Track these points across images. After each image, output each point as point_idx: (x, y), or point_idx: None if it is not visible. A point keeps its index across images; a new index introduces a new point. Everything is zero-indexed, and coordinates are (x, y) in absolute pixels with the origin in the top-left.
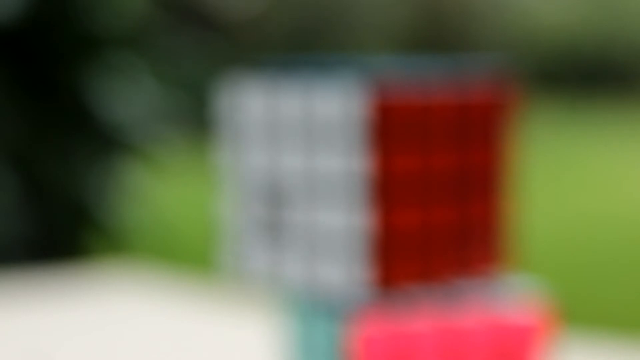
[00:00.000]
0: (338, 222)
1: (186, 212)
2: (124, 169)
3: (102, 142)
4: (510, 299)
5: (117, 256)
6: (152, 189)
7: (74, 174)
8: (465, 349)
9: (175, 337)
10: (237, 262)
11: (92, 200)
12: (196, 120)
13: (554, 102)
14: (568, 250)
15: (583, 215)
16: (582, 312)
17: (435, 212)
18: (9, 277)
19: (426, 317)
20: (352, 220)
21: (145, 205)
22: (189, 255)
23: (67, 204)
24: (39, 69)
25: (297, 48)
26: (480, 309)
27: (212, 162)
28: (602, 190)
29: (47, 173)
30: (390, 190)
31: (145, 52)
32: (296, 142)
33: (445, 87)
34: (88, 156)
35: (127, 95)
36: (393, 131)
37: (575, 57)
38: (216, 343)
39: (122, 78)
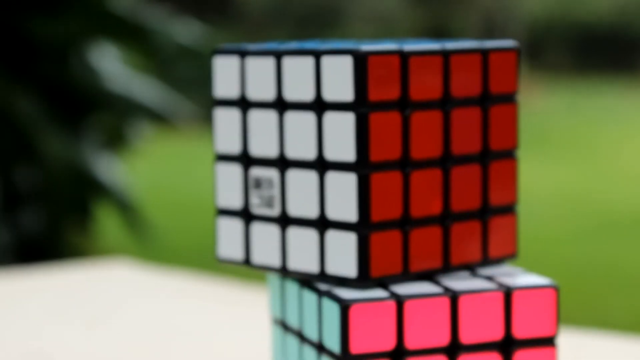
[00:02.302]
0: (338, 206)
1: (183, 197)
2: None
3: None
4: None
5: (111, 253)
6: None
7: (77, 146)
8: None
9: (176, 329)
10: (231, 249)
11: (97, 168)
12: (198, 102)
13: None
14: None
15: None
16: (586, 298)
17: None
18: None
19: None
20: (355, 205)
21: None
22: (186, 241)
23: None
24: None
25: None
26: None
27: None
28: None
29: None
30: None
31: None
32: (293, 125)
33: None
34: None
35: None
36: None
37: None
38: (216, 334)
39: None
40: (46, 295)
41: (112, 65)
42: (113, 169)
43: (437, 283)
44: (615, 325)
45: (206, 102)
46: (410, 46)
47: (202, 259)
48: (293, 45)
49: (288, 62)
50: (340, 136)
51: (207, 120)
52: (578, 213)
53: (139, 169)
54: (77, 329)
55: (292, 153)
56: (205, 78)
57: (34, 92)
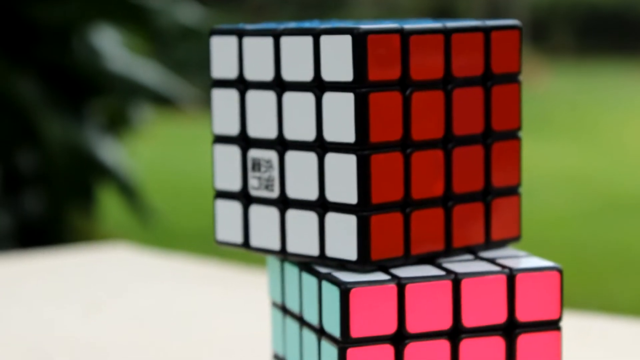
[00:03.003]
0: (338, 188)
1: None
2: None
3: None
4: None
5: (113, 237)
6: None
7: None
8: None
9: (176, 312)
10: (230, 232)
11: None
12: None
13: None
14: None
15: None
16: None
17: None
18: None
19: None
20: (356, 187)
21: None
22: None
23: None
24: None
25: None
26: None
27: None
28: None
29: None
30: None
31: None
32: (293, 104)
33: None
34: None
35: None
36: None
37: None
38: (216, 317)
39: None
40: (46, 279)
41: (113, 47)
42: (115, 152)
43: (438, 266)
44: (619, 308)
45: (208, 85)
46: (411, 25)
47: (205, 242)
48: (291, 25)
49: (286, 42)
50: (340, 117)
51: (209, 103)
52: (582, 195)
53: (141, 151)
54: (76, 312)
55: (291, 134)
56: (206, 60)
57: (35, 75)
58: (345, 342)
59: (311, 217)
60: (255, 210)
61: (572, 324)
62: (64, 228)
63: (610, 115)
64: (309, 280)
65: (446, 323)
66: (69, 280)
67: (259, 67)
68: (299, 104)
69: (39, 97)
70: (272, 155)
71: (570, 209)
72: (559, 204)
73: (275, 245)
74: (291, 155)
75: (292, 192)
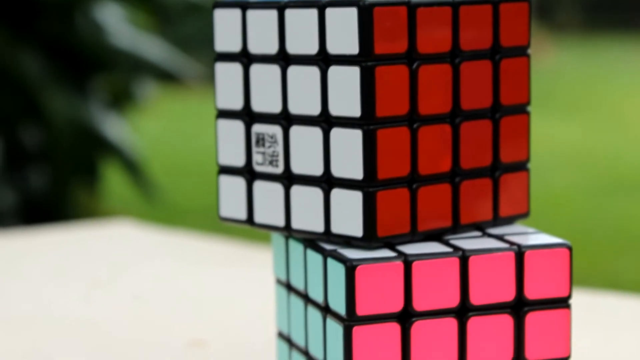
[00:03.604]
0: (344, 164)
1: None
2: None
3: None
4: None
5: (117, 213)
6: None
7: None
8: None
9: (179, 289)
10: (233, 208)
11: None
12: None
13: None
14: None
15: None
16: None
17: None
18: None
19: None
20: (361, 165)
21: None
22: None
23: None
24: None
25: None
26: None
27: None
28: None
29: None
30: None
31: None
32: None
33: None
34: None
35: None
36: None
37: None
38: (220, 294)
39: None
40: (49, 256)
41: (117, 23)
42: (119, 128)
43: (446, 243)
44: (624, 285)
45: (212, 60)
46: None
47: (209, 218)
48: None
49: (291, 14)
50: (345, 91)
51: (213, 79)
52: (587, 171)
53: (145, 127)
54: (78, 289)
55: (295, 109)
56: (211, 36)
57: (39, 50)
58: (351, 320)
59: (316, 193)
60: (259, 186)
61: (578, 301)
62: (67, 204)
63: (616, 91)
64: (314, 258)
65: (454, 301)
66: (71, 257)
67: (263, 41)
68: (303, 78)
69: (43, 73)
70: (276, 130)
71: (574, 185)
72: (564, 180)
73: (280, 222)
74: (296, 130)
75: (297, 168)
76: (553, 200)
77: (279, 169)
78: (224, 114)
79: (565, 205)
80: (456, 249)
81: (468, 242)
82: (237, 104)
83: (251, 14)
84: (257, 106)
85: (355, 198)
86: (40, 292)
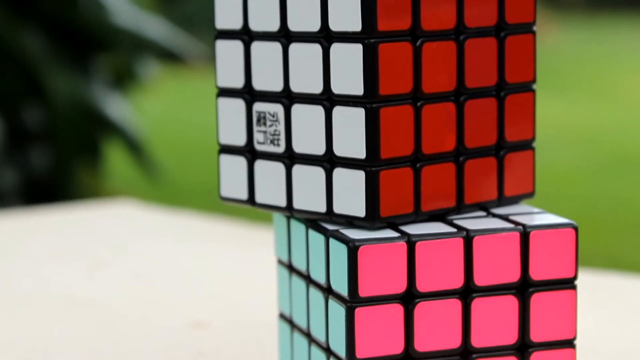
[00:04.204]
0: (346, 143)
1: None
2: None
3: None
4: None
5: (118, 193)
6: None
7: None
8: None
9: (181, 269)
10: (234, 188)
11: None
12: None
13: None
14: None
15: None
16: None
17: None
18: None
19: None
20: (364, 140)
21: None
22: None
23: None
24: None
25: None
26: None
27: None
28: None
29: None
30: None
31: None
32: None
33: None
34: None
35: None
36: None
37: None
38: (222, 274)
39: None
40: (50, 236)
41: (119, 2)
42: (121, 108)
43: (450, 223)
44: (629, 266)
45: (214, 39)
46: None
47: (212, 198)
48: None
49: None
50: (348, 68)
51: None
52: (591, 150)
53: (148, 107)
54: (79, 270)
55: (297, 87)
56: (213, 15)
57: (41, 29)
58: (353, 301)
59: (318, 172)
60: (260, 165)
61: (581, 281)
62: (69, 184)
63: (620, 71)
64: (316, 238)
65: (457, 282)
66: (73, 236)
67: (264, 18)
68: (305, 56)
69: (45, 52)
70: (277, 108)
71: (577, 165)
72: (567, 159)
73: (282, 202)
74: (297, 109)
75: (299, 147)
76: (556, 180)
77: (281, 148)
78: (224, 92)
79: (568, 185)
80: (460, 229)
81: (472, 222)
82: (238, 82)
83: None
84: (258, 84)
85: (357, 178)
86: (42, 272)
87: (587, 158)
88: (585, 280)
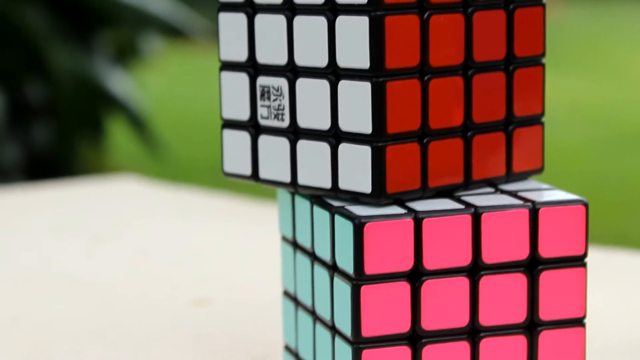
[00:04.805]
0: (352, 117)
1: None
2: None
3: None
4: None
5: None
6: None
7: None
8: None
9: (184, 245)
10: (238, 164)
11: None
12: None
13: None
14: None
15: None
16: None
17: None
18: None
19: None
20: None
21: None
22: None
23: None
24: None
25: None
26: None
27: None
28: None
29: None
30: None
31: None
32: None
33: None
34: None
35: None
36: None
37: None
38: (225, 251)
39: None
40: (52, 211)
41: None
42: (124, 83)
43: (457, 200)
44: (635, 243)
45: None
46: None
47: (215, 174)
48: None
49: None
50: (354, 41)
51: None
52: (597, 127)
53: (151, 83)
54: (82, 245)
55: (302, 60)
56: None
57: (44, 5)
58: (359, 279)
59: (323, 147)
60: (264, 140)
61: (589, 258)
62: (72, 160)
63: (626, 47)
64: (321, 215)
65: (465, 259)
66: (75, 212)
67: None
68: (310, 28)
69: (47, 28)
70: (282, 82)
71: (584, 141)
72: (573, 136)
73: (286, 178)
74: (302, 83)
75: (303, 122)
76: (561, 155)
77: (285, 123)
78: (227, 66)
79: (574, 161)
80: (468, 205)
81: (480, 198)
82: (242, 56)
83: None
84: (262, 58)
85: (363, 153)
86: (43, 248)
87: (592, 135)
88: (593, 257)
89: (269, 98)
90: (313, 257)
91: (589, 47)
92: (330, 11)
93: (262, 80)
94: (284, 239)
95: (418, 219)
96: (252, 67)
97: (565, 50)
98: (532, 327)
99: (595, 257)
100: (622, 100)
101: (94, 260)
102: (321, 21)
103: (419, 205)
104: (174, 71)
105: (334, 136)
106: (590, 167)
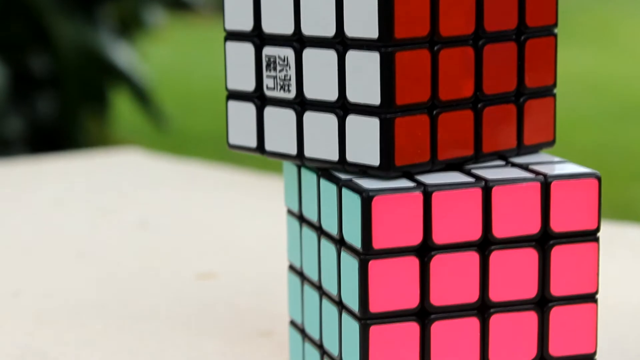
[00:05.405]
0: (360, 88)
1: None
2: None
3: None
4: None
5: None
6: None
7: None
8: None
9: (188, 218)
10: (243, 136)
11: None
12: None
13: None
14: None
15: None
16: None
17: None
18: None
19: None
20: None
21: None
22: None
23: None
24: None
25: None
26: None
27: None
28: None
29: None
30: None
31: None
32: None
33: None
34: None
35: None
36: None
37: None
38: (230, 223)
39: None
40: (56, 184)
41: None
42: (128, 55)
43: (467, 173)
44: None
45: None
46: None
47: (220, 147)
48: None
49: None
50: (362, 11)
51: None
52: (600, 98)
53: (155, 55)
54: (86, 217)
55: (308, 30)
56: None
57: None
58: (366, 253)
59: (331, 119)
60: (270, 112)
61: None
62: (76, 132)
63: (627, 18)
64: (328, 188)
65: (475, 234)
66: (79, 185)
67: None
68: None
69: (52, 0)
70: (288, 52)
71: (587, 113)
72: (575, 108)
73: (292, 150)
74: (309, 53)
75: (310, 93)
76: (566, 127)
77: (291, 94)
78: (233, 35)
79: (579, 133)
80: (478, 179)
81: (491, 171)
82: (247, 25)
83: None
84: (268, 27)
85: (372, 125)
86: (46, 221)
87: (595, 106)
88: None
89: (275, 69)
90: (320, 231)
91: (590, 18)
92: None
93: (268, 50)
94: (290, 212)
95: (427, 192)
96: (258, 37)
97: (566, 21)
98: (543, 302)
99: (603, 231)
100: (626, 72)
101: (97, 233)
102: None
103: (428, 179)
104: (178, 43)
105: (342, 107)
106: (594, 140)
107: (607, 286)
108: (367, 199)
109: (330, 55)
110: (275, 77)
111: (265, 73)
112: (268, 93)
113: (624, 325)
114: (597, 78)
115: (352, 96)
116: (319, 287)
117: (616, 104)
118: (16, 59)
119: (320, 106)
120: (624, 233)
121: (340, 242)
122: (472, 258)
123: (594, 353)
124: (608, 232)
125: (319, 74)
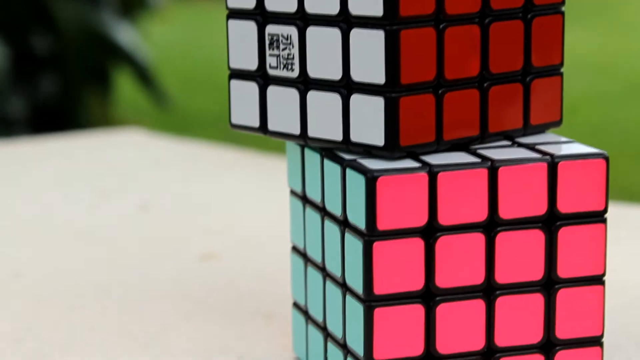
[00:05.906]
0: (364, 67)
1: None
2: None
3: None
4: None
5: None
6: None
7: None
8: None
9: (190, 199)
10: (245, 115)
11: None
12: None
13: None
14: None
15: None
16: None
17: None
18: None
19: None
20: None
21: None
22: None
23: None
24: None
25: None
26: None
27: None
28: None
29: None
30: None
31: None
32: None
33: None
34: None
35: None
36: None
37: None
38: (232, 204)
39: None
40: (58, 164)
41: None
42: (130, 35)
43: (473, 153)
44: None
45: None
46: None
47: (222, 127)
48: None
49: None
50: None
51: None
52: (605, 78)
53: (157, 35)
54: (88, 198)
55: (312, 8)
56: None
57: None
58: (371, 234)
59: (334, 99)
60: (273, 91)
61: None
62: (78, 112)
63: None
64: (332, 168)
65: (481, 215)
66: (81, 165)
67: None
68: None
69: None
70: (291, 31)
71: (591, 93)
72: (580, 87)
73: (295, 130)
74: (313, 31)
75: (314, 72)
76: (569, 107)
77: (295, 73)
78: (235, 13)
79: (582, 112)
80: (484, 159)
81: (497, 152)
82: (250, 3)
83: None
84: (271, 5)
85: (376, 104)
86: (48, 201)
87: (600, 86)
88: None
89: (278, 47)
90: (323, 212)
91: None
92: None
93: (271, 29)
94: (293, 193)
95: (433, 172)
96: (261, 15)
97: (573, 2)
98: (549, 284)
99: (608, 213)
100: (629, 51)
101: (99, 213)
102: None
103: (434, 159)
104: (180, 23)
105: (346, 87)
106: (597, 119)
107: (613, 269)
108: (371, 179)
109: (334, 33)
110: (278, 56)
111: (268, 52)
112: (271, 72)
113: (632, 308)
114: (601, 57)
115: (357, 75)
116: (322, 269)
117: (621, 83)
118: (18, 39)
119: (324, 85)
120: (630, 214)
121: (344, 223)
122: (478, 239)
123: (601, 335)
124: (614, 213)
125: (323, 52)
